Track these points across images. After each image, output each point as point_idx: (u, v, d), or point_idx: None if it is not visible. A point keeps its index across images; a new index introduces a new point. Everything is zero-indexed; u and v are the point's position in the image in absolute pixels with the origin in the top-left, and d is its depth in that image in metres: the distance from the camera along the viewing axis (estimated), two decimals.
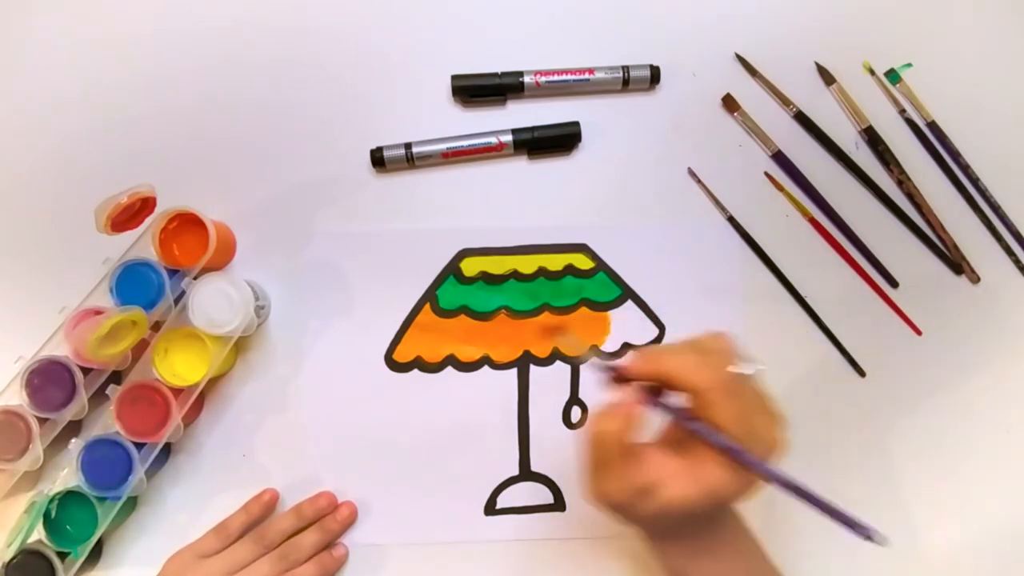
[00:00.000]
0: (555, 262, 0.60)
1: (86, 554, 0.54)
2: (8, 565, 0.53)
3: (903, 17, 0.61)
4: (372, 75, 0.60)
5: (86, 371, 0.54)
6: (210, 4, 0.60)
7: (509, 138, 0.59)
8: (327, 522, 0.58)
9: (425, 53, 0.60)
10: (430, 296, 0.60)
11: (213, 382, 0.60)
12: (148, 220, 0.54)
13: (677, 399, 0.40)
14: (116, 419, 0.54)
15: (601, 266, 0.60)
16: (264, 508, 0.58)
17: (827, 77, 0.60)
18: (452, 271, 0.60)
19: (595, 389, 0.49)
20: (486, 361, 0.60)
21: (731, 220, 0.60)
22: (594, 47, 0.60)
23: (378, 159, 0.59)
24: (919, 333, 0.60)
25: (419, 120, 0.60)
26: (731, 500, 0.39)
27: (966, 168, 0.60)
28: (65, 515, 0.54)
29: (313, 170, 0.60)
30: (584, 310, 0.60)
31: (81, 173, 0.60)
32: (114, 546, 0.59)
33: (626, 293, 0.60)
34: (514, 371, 0.60)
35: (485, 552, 0.60)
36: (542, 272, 0.60)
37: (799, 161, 0.60)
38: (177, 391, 0.54)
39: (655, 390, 0.41)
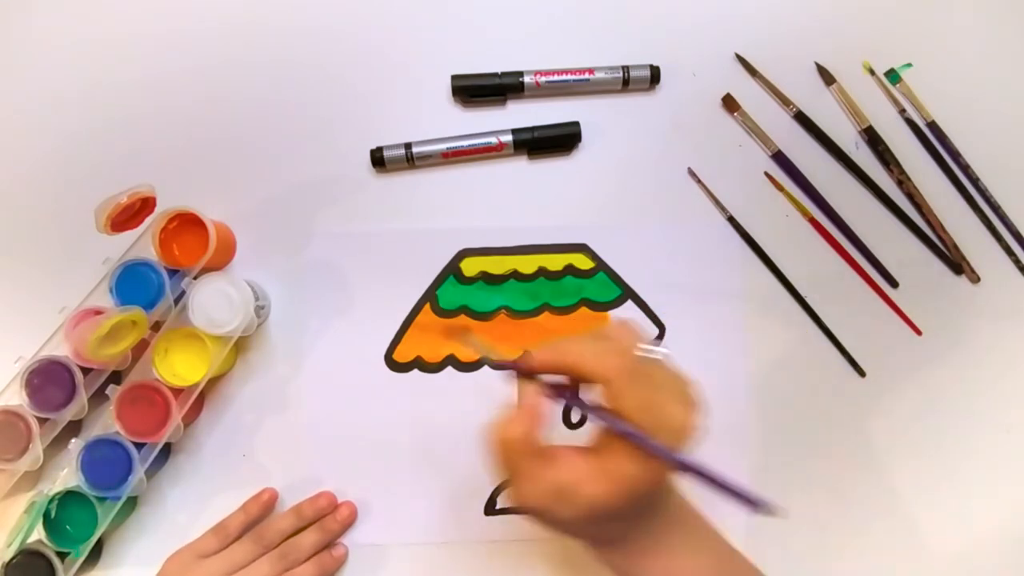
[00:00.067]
0: (555, 262, 0.60)
1: (86, 554, 0.54)
2: (8, 565, 0.53)
3: (903, 17, 0.61)
4: (372, 75, 0.60)
5: (86, 371, 0.54)
6: (210, 4, 0.60)
7: (509, 138, 0.59)
8: (327, 522, 0.58)
9: (425, 53, 0.60)
10: (430, 296, 0.60)
11: (213, 382, 0.59)
12: (148, 220, 0.54)
13: (588, 392, 0.39)
14: (116, 419, 0.54)
15: (601, 266, 0.60)
16: (263, 508, 0.58)
17: (827, 77, 0.60)
18: (452, 271, 0.60)
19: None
20: (486, 361, 0.60)
21: (731, 220, 0.60)
22: (594, 47, 0.60)
23: (378, 159, 0.59)
24: (919, 333, 0.60)
25: (419, 120, 0.60)
26: (649, 492, 0.37)
27: (966, 168, 0.60)
28: (65, 515, 0.54)
29: (313, 170, 0.60)
30: (584, 310, 0.60)
31: (81, 173, 0.60)
32: (114, 546, 0.59)
33: (626, 293, 0.60)
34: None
35: (485, 552, 0.60)
36: (542, 272, 0.60)
37: (799, 161, 0.60)
38: (177, 391, 0.54)
39: (563, 384, 0.39)
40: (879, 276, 0.60)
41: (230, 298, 0.54)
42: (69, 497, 0.54)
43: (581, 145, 0.60)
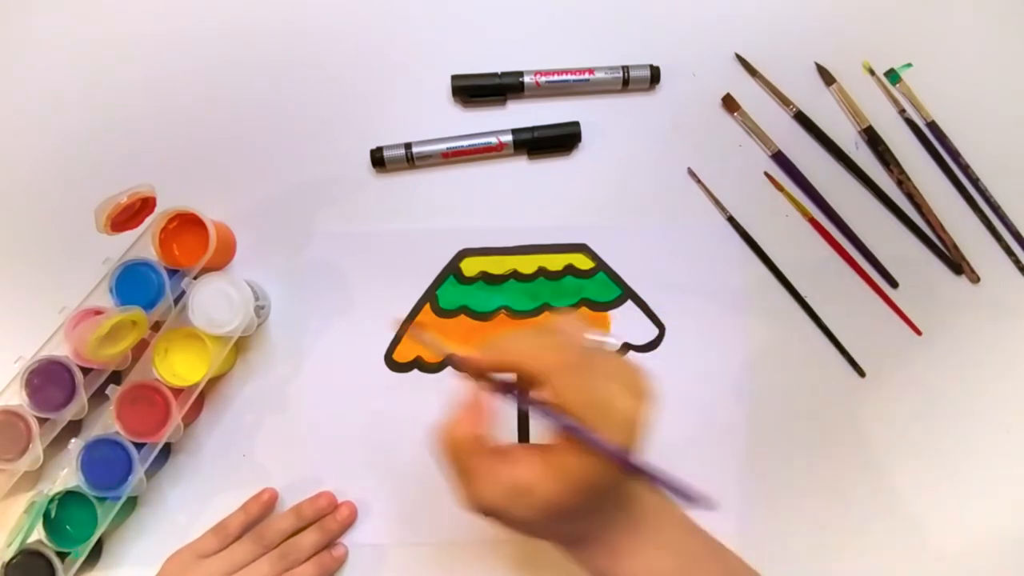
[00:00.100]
0: (555, 262, 0.60)
1: (86, 554, 0.54)
2: (8, 565, 0.53)
3: (903, 17, 0.61)
4: (372, 75, 0.60)
5: (86, 371, 0.54)
6: (210, 4, 0.60)
7: (509, 138, 0.59)
8: (327, 522, 0.58)
9: (425, 53, 0.60)
10: (430, 296, 0.60)
11: (213, 382, 0.59)
12: (148, 220, 0.54)
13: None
14: (116, 419, 0.54)
15: (601, 266, 0.60)
16: (263, 508, 0.58)
17: (827, 77, 0.60)
18: (452, 271, 0.60)
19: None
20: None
21: (731, 220, 0.60)
22: (594, 47, 0.60)
23: (378, 159, 0.59)
24: (919, 333, 0.60)
25: (419, 120, 0.60)
26: (601, 487, 0.36)
27: (966, 168, 0.60)
28: (65, 515, 0.54)
29: (313, 170, 0.60)
30: (584, 310, 0.60)
31: (81, 173, 0.60)
32: (114, 546, 0.59)
33: (626, 293, 0.60)
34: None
35: (485, 552, 0.60)
36: (542, 272, 0.60)
37: (799, 161, 0.60)
38: (177, 391, 0.54)
39: (509, 382, 0.39)
40: (879, 276, 0.60)
41: (230, 298, 0.54)
42: (69, 497, 0.54)
43: (581, 145, 0.60)
